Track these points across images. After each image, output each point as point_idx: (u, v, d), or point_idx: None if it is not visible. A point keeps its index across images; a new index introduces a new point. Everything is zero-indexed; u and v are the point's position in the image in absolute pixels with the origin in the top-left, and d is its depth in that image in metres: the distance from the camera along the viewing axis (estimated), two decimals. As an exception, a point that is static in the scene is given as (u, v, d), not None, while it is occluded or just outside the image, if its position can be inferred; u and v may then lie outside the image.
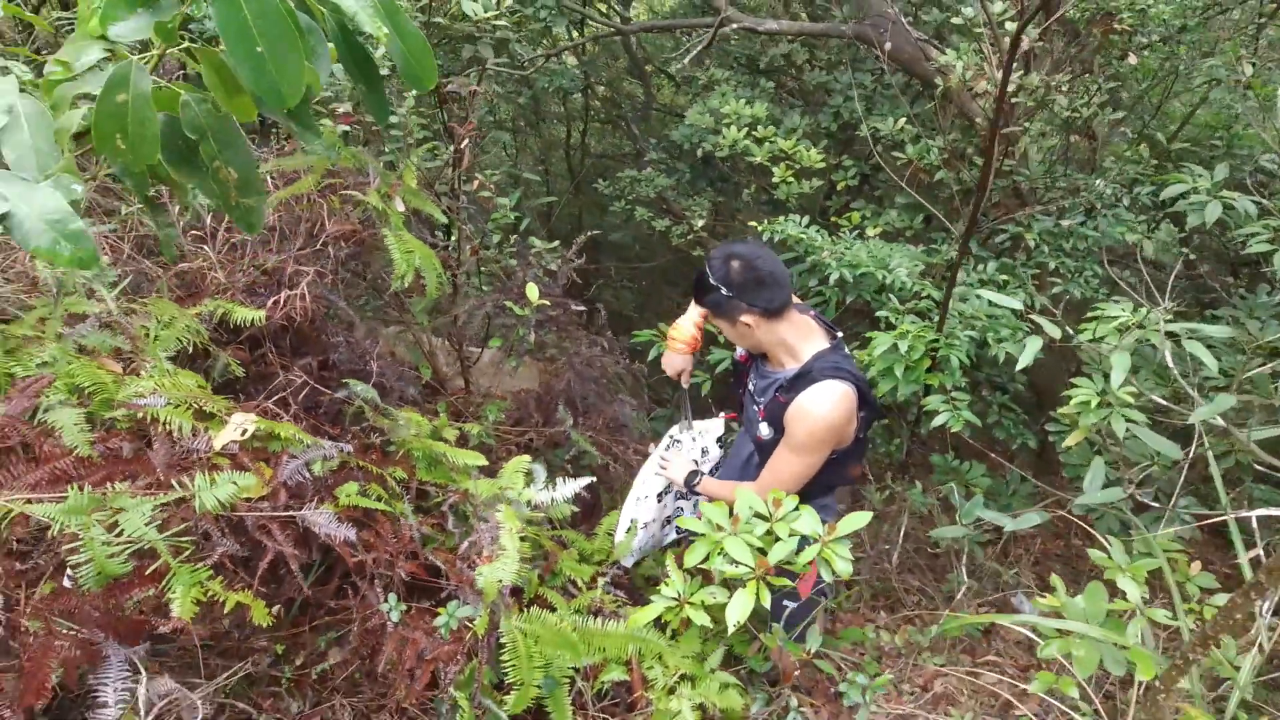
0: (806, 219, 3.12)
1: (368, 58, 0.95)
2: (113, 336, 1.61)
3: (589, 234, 3.16)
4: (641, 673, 1.97)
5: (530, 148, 6.54)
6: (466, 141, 2.10)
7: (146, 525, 1.26)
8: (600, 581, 2.28)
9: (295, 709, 1.79)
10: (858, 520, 1.76)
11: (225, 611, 1.30)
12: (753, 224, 3.05)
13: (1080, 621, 1.59)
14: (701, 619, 1.76)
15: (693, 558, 1.71)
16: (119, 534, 1.23)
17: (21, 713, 1.14)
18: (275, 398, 1.95)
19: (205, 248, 2.12)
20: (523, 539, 1.88)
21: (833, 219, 3.74)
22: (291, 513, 1.51)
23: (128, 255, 2.13)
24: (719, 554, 1.62)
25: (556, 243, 3.12)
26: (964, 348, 2.26)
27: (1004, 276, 2.89)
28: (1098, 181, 3.03)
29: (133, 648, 1.29)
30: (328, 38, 0.89)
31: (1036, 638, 1.63)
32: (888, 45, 3.10)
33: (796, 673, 2.17)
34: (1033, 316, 1.61)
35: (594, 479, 2.37)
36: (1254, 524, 1.19)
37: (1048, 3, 2.13)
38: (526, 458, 2.24)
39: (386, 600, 1.71)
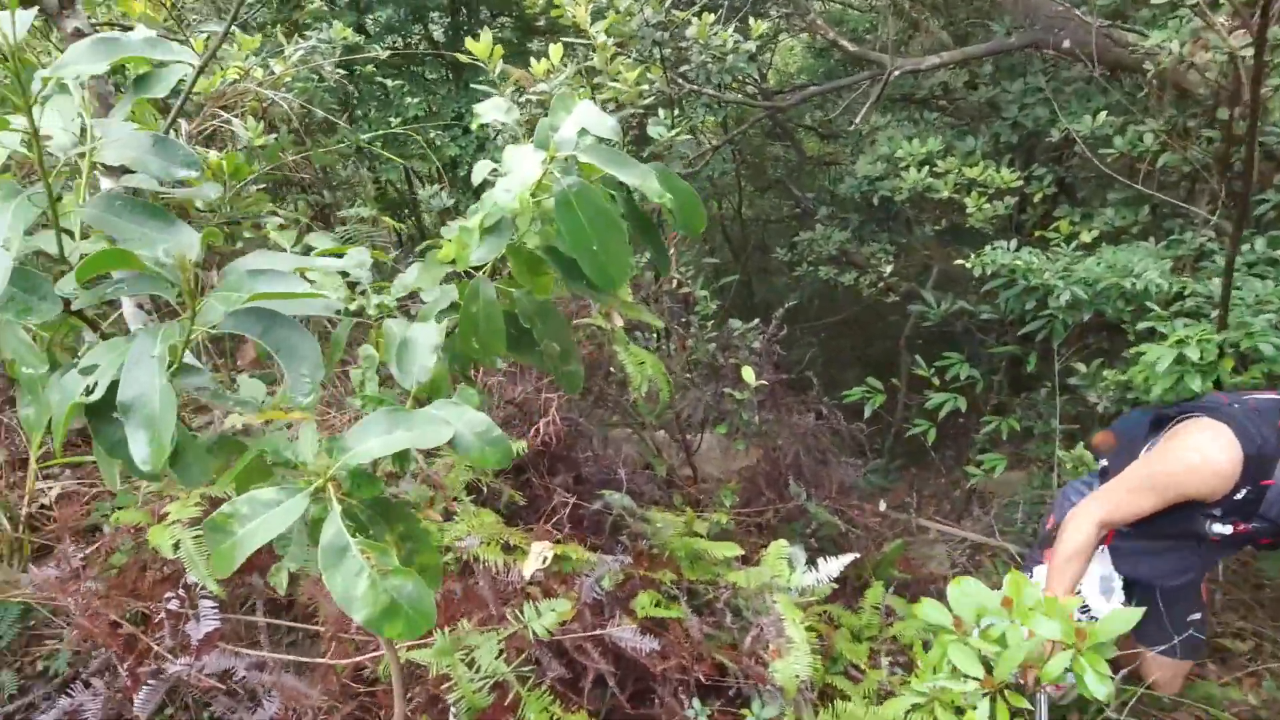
0: (1014, 242, 2.94)
1: (649, 221, 1.06)
2: (428, 489, 1.86)
3: (785, 306, 3.19)
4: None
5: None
6: (672, 250, 2.24)
7: (496, 659, 1.41)
8: (885, 661, 2.18)
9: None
10: (1124, 619, 1.47)
11: (570, 734, 1.41)
12: (959, 262, 2.92)
13: None
14: (949, 717, 1.54)
15: (929, 660, 1.56)
16: (476, 670, 1.39)
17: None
18: (552, 520, 2.12)
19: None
20: (807, 628, 1.86)
21: (1035, 233, 3.48)
22: (599, 631, 1.61)
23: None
24: (943, 664, 1.45)
25: (756, 320, 3.18)
26: (1266, 334, 1.99)
27: (1278, 251, 2.51)
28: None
29: (499, 773, 1.42)
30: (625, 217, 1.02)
31: None
32: (1065, 43, 2.92)
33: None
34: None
35: (856, 555, 2.30)
36: None
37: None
38: (784, 543, 2.24)
39: (691, 705, 1.75)
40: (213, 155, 1.98)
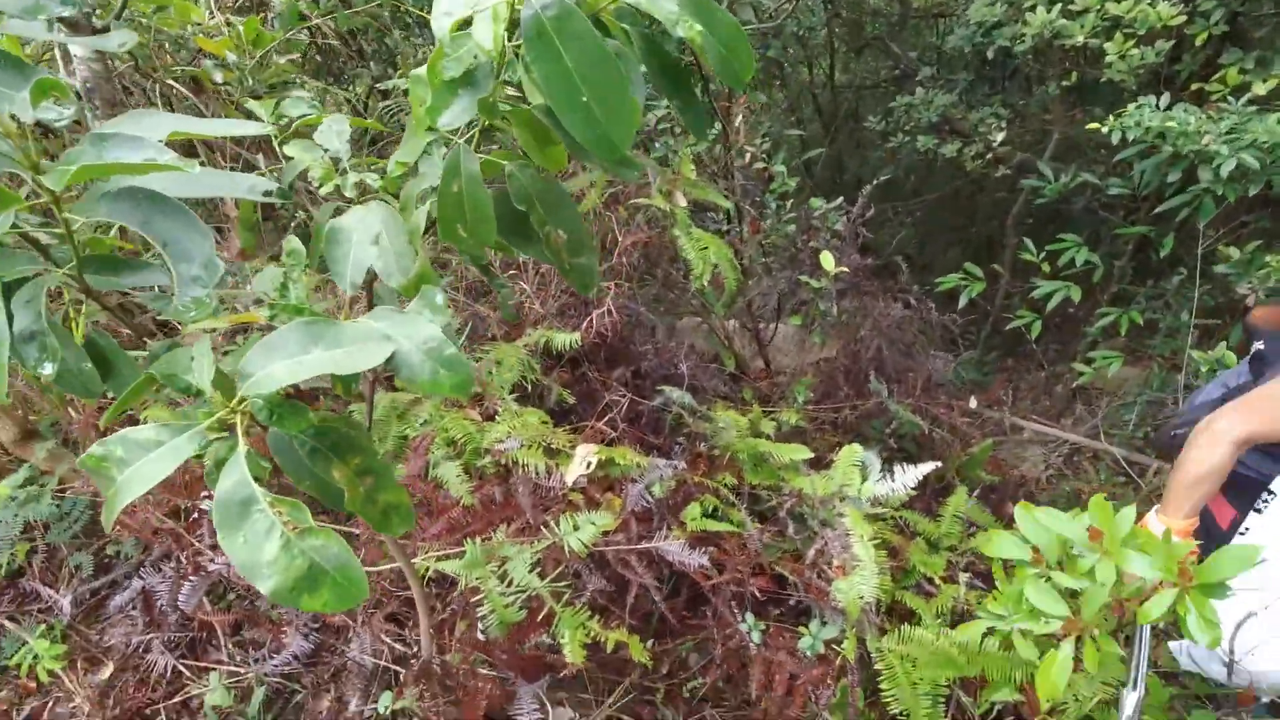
0: (1164, 98, 2.42)
1: (678, 68, 0.81)
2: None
3: (875, 182, 2.81)
4: (1038, 696, 1.67)
5: (776, 101, 6.18)
6: (740, 116, 1.94)
7: (530, 573, 1.32)
8: (963, 577, 2.00)
9: (671, 718, 1.82)
10: (1239, 558, 1.21)
11: (609, 651, 1.32)
12: (1091, 126, 2.44)
13: None
14: (1030, 653, 1.35)
15: (1004, 597, 1.34)
16: (509, 583, 1.30)
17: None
18: (604, 418, 2.00)
19: (520, 282, 2.25)
20: (876, 545, 1.70)
21: (1192, 86, 2.88)
22: (645, 544, 1.50)
23: (463, 301, 2.35)
24: (1021, 603, 1.23)
25: (840, 199, 2.82)
26: None
27: None
28: None
29: (535, 683, 1.37)
30: (638, 58, 0.77)
31: None
32: None
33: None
34: None
35: (938, 464, 2.08)
36: None
37: None
38: (858, 448, 2.04)
39: (744, 619, 1.65)
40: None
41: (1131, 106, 2.33)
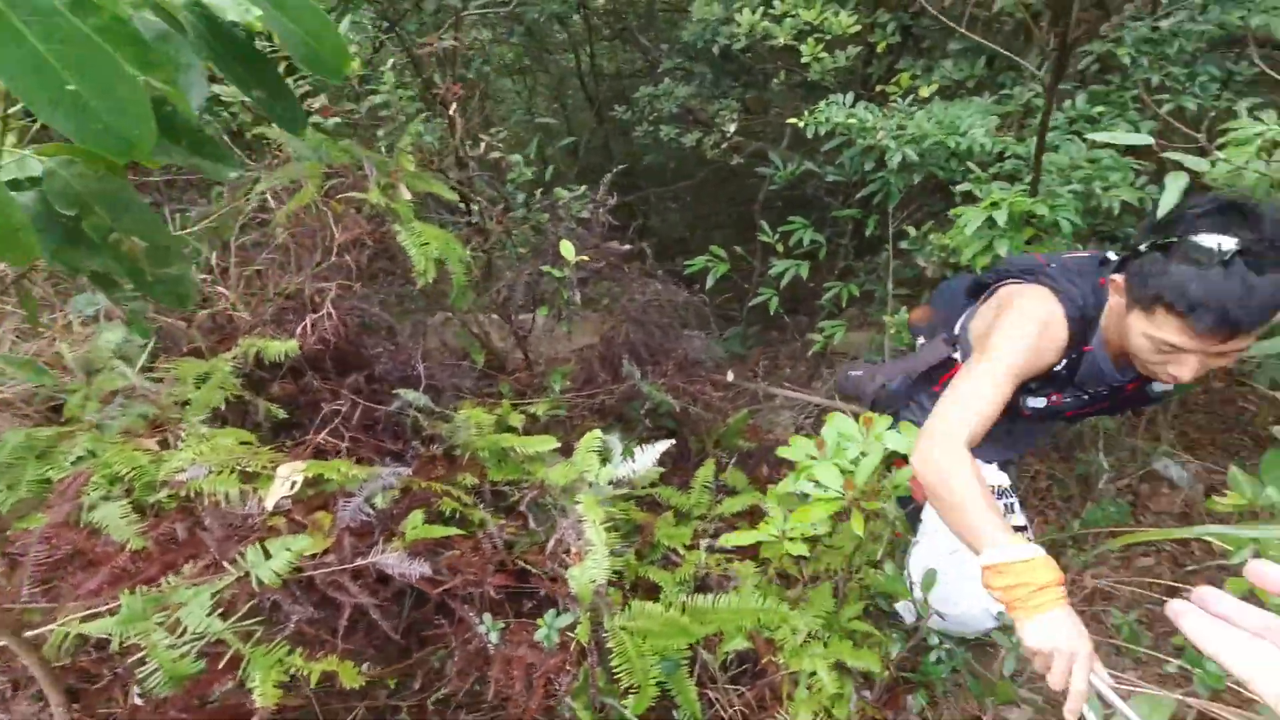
0: (850, 96, 2.74)
1: (255, 55, 0.73)
2: (146, 409, 1.52)
3: (614, 170, 2.89)
4: (765, 639, 1.84)
5: (542, 88, 6.17)
6: (455, 105, 1.87)
7: (209, 616, 1.18)
8: (702, 543, 2.14)
9: (422, 733, 1.76)
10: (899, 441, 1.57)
11: (312, 685, 1.22)
12: (792, 121, 2.70)
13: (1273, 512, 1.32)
14: (799, 549, 1.61)
15: (783, 487, 1.58)
16: (181, 633, 1.15)
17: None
18: (329, 428, 1.85)
19: (220, 287, 2.01)
20: (611, 528, 1.75)
21: (879, 88, 3.30)
22: (360, 561, 1.41)
23: (152, 312, 2.05)
24: (805, 478, 1.47)
25: (583, 188, 2.87)
26: (1069, 206, 1.92)
27: (1097, 108, 2.45)
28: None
29: (234, 735, 1.23)
30: (193, 45, 0.68)
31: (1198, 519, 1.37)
32: None
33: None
34: (1166, 153, 1.28)
35: (672, 441, 2.20)
36: None
37: None
38: (597, 433, 2.09)
39: (481, 621, 1.62)
40: None
41: (822, 104, 2.61)
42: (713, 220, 6.91)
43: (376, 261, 2.47)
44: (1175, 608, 0.55)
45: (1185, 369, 1.28)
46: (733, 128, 3.53)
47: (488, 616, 1.62)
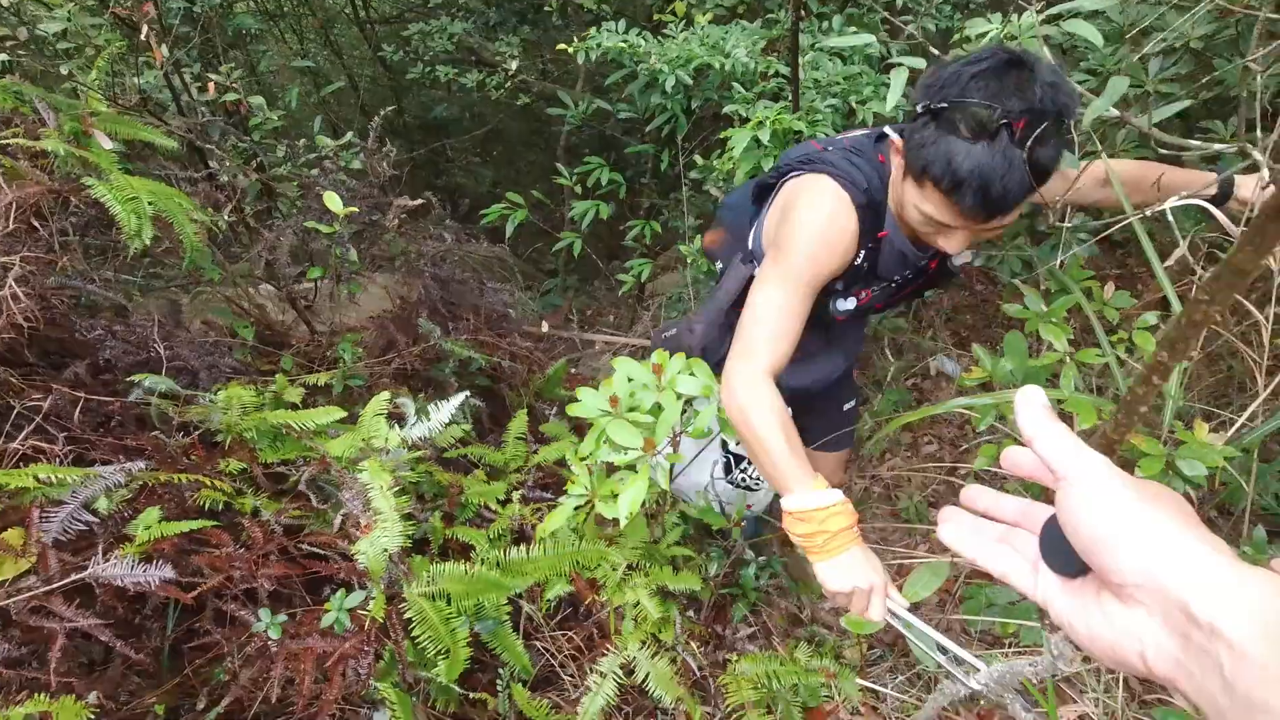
0: (622, 23, 2.67)
1: None
2: None
3: (382, 114, 2.63)
4: (587, 580, 1.80)
5: (308, 32, 5.54)
6: (149, 31, 1.55)
7: None
8: (515, 495, 2.06)
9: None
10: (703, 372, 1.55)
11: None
12: (561, 46, 2.58)
13: (1010, 383, 1.47)
14: (613, 511, 1.54)
15: (583, 449, 1.50)
16: None
17: None
18: (31, 429, 1.52)
19: None
20: (401, 492, 1.61)
21: (656, 17, 3.27)
22: (74, 577, 1.17)
23: None
24: (603, 442, 1.39)
25: (349, 134, 2.58)
26: (828, 119, 1.99)
27: (851, 29, 2.57)
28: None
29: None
30: None
31: (971, 413, 1.51)
32: None
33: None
34: (894, 58, 1.33)
35: (466, 394, 2.07)
36: (1169, 215, 1.01)
37: None
38: (385, 395, 1.92)
39: (258, 619, 1.43)
40: None
41: (593, 30, 2.52)
42: (524, 172, 6.69)
43: (94, 230, 2.07)
44: (941, 515, 0.57)
45: (952, 243, 1.25)
46: (514, 64, 3.34)
47: (265, 612, 1.44)
